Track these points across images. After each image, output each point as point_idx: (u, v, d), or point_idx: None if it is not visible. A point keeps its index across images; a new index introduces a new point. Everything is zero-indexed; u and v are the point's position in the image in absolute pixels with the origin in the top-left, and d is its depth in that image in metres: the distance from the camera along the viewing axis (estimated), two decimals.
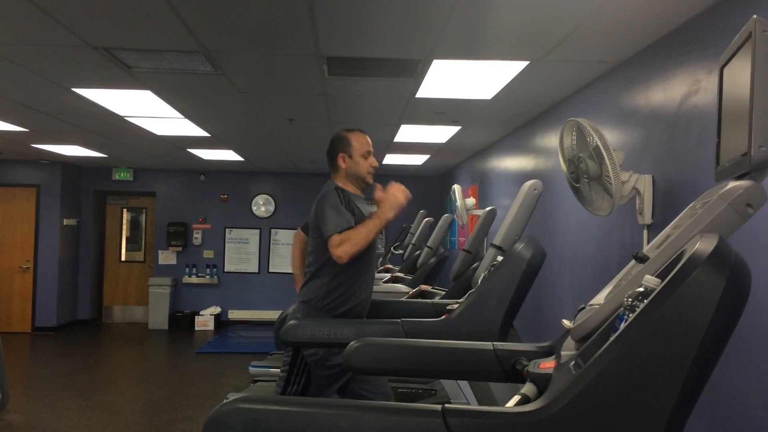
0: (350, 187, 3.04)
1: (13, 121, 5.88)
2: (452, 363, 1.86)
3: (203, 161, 9.18)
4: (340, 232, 2.76)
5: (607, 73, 3.55)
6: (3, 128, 6.28)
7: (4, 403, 5.43)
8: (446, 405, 1.15)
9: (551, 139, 4.56)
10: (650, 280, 1.15)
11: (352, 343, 1.90)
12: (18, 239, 9.86)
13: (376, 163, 3.07)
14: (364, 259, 2.93)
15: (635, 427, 1.07)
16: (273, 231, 10.92)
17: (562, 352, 1.47)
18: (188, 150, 7.92)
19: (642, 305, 1.10)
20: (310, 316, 2.91)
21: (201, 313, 10.52)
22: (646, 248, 1.46)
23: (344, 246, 2.73)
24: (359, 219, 2.89)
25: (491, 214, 4.38)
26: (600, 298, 1.48)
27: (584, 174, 2.65)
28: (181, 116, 5.44)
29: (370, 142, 3.09)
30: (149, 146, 7.64)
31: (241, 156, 8.50)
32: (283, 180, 10.89)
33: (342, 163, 3.03)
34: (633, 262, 1.43)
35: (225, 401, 1.24)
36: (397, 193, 2.85)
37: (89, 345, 9.28)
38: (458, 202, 5.18)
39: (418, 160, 8.50)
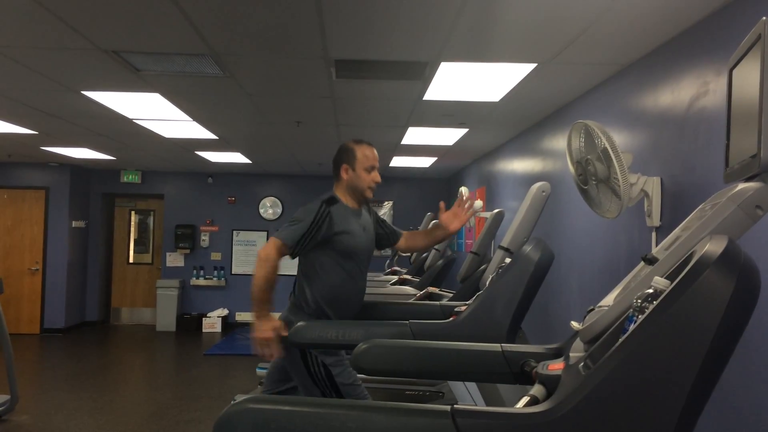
0: (347, 199, 3.02)
1: (23, 123, 5.92)
2: (460, 364, 1.86)
3: (211, 164, 9.21)
4: (282, 241, 2.82)
5: (616, 76, 3.55)
6: (12, 131, 6.32)
7: (13, 404, 5.47)
8: (455, 406, 1.15)
9: (559, 142, 4.55)
10: (660, 282, 1.15)
11: (360, 344, 1.90)
12: (27, 241, 9.92)
13: (378, 179, 3.03)
14: (354, 261, 2.97)
15: (644, 429, 1.06)
16: None
17: (571, 354, 1.47)
18: (196, 152, 7.95)
19: (651, 307, 1.10)
20: (300, 318, 2.93)
21: (208, 315, 10.54)
22: (655, 250, 1.46)
23: (264, 255, 2.81)
24: (347, 230, 2.92)
25: (499, 217, 4.38)
26: (609, 300, 1.47)
27: (592, 176, 2.65)
28: (189, 119, 5.47)
29: (377, 156, 3.05)
30: (157, 149, 7.67)
31: (249, 158, 8.53)
32: (291, 182, 10.91)
33: (344, 174, 3.02)
34: (642, 263, 1.43)
35: (233, 402, 1.25)
36: (259, 343, 2.77)
37: (97, 347, 9.31)
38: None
39: (425, 162, 8.50)
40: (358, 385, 2.95)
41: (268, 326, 2.76)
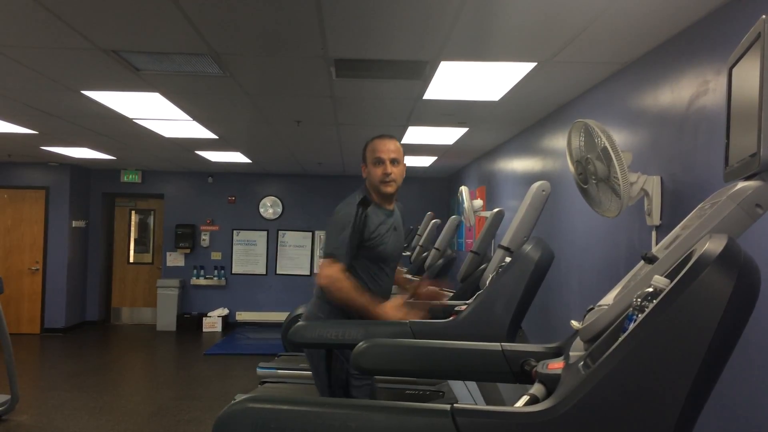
0: (376, 198, 2.99)
1: (23, 123, 5.92)
2: (460, 364, 1.86)
3: (211, 163, 9.21)
4: (334, 258, 2.79)
5: (615, 74, 3.55)
6: (13, 130, 6.32)
7: (13, 404, 5.47)
8: (455, 405, 1.15)
9: (559, 141, 4.55)
10: (659, 281, 1.15)
11: (360, 344, 1.90)
12: (27, 241, 9.93)
13: (384, 170, 2.93)
14: (380, 266, 2.97)
15: (644, 428, 1.06)
16: (280, 233, 10.94)
17: (571, 353, 1.47)
18: (196, 152, 7.95)
19: (651, 305, 1.09)
20: (323, 309, 2.94)
21: (209, 314, 10.55)
22: (655, 249, 1.46)
23: (329, 280, 2.77)
24: (379, 235, 2.90)
25: (499, 216, 4.38)
26: (609, 299, 1.47)
27: (592, 175, 2.65)
28: (189, 118, 5.47)
29: (386, 148, 2.95)
30: (157, 148, 7.67)
31: (249, 158, 8.53)
32: (291, 182, 10.91)
33: (363, 172, 3.04)
34: (642, 262, 1.43)
35: (233, 402, 1.24)
36: (398, 312, 2.73)
37: (98, 346, 9.32)
38: (466, 204, 5.18)
39: (425, 161, 8.50)
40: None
41: (391, 307, 2.75)
